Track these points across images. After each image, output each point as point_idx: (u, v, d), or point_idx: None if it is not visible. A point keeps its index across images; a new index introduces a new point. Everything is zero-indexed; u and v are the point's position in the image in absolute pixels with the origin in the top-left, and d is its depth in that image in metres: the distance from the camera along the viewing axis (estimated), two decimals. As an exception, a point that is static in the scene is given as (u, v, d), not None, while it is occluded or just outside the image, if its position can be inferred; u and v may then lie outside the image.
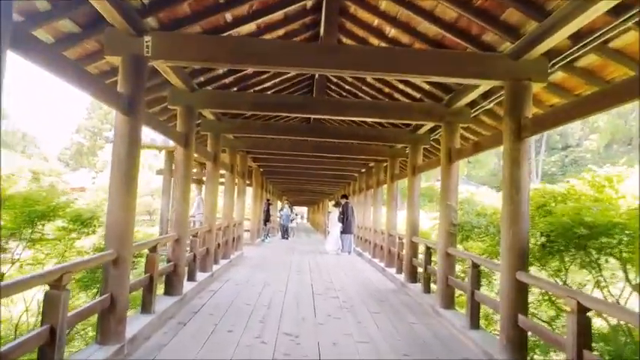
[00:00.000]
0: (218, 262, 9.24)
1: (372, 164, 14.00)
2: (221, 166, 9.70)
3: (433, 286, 7.30)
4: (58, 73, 3.44)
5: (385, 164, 12.67)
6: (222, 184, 10.77)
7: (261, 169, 16.91)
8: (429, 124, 7.81)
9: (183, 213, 6.27)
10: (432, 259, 7.36)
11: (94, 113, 55.24)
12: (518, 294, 4.27)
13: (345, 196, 15.16)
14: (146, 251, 5.39)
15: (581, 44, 4.05)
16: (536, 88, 4.77)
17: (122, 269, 4.18)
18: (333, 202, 17.26)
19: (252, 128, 8.69)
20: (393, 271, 9.68)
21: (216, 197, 8.45)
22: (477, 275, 5.31)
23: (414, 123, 7.55)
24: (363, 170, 15.39)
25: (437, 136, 8.60)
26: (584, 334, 3.25)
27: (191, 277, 7.16)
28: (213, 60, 4.44)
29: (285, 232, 21.06)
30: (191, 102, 6.37)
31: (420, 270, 7.92)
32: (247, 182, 14.85)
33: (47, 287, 3.18)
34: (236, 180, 12.09)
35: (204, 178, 17.98)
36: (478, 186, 44.76)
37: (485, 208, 7.43)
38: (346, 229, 14.40)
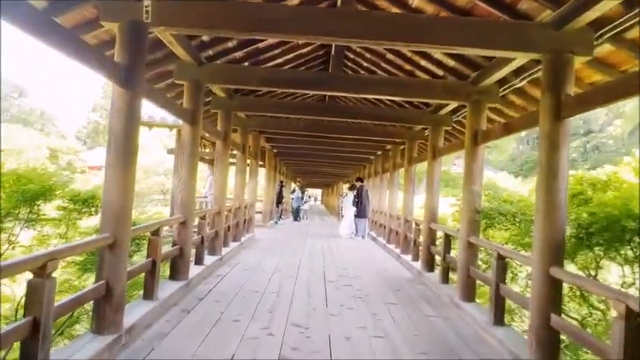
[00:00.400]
0: (228, 245, 8.96)
1: (388, 147, 13.51)
2: (232, 146, 9.36)
3: (452, 276, 6.94)
4: (46, 40, 3.08)
5: (403, 147, 12.20)
6: (234, 164, 10.45)
7: (275, 150, 16.56)
8: (453, 104, 7.30)
9: (190, 194, 5.94)
10: (451, 247, 6.98)
11: (110, 92, 55.28)
12: (551, 291, 3.85)
13: (360, 179, 14.75)
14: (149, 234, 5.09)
15: (636, 11, 3.53)
16: (578, 62, 4.26)
17: (119, 254, 3.87)
18: (348, 185, 16.85)
19: (265, 106, 8.29)
20: (408, 258, 9.30)
21: (227, 178, 8.12)
22: (503, 268, 4.90)
23: (436, 102, 7.04)
24: (379, 153, 14.91)
25: (459, 118, 8.11)
26: (633, 343, 2.84)
27: (199, 261, 6.88)
28: (219, 27, 4.03)
29: (296, 215, 20.79)
30: (198, 76, 5.98)
31: (439, 258, 7.54)
32: (260, 163, 14.53)
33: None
34: (248, 161, 11.77)
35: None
36: (496, 171, 43.90)
37: (511, 195, 6.94)
38: (360, 213, 14.02)
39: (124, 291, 3.97)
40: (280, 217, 18.73)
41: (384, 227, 13.05)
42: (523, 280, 6.64)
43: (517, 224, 6.39)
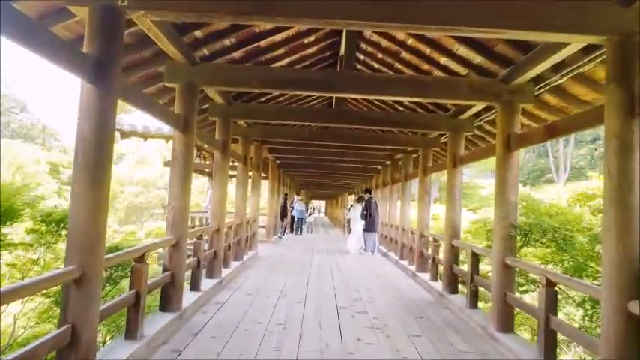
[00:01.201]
0: (229, 265, 8.19)
1: (398, 156, 12.76)
2: (233, 157, 8.64)
3: (479, 298, 6.15)
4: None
5: (415, 155, 11.47)
6: (235, 177, 9.72)
7: (278, 162, 15.83)
8: (477, 107, 6.56)
9: (183, 211, 5.19)
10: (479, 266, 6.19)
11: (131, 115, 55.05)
12: (629, 331, 3.06)
13: (368, 191, 13.98)
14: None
15: None
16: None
17: (89, 290, 3.12)
18: (355, 197, 16.08)
19: (267, 113, 7.57)
20: (426, 276, 8.49)
21: (226, 191, 7.38)
22: (553, 297, 4.11)
23: (459, 104, 6.28)
24: (388, 163, 14.17)
25: (481, 123, 7.37)
26: None
27: (195, 286, 6.11)
28: (208, 11, 3.31)
29: (297, 228, 20.00)
30: (192, 78, 5.27)
31: (462, 278, 6.75)
32: (263, 175, 13.80)
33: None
34: (250, 173, 11.04)
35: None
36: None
37: (548, 207, 6.15)
38: (369, 227, 13.22)
39: (94, 335, 3.21)
40: (284, 231, 17.96)
41: (396, 242, 12.24)
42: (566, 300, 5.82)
43: (557, 241, 5.60)
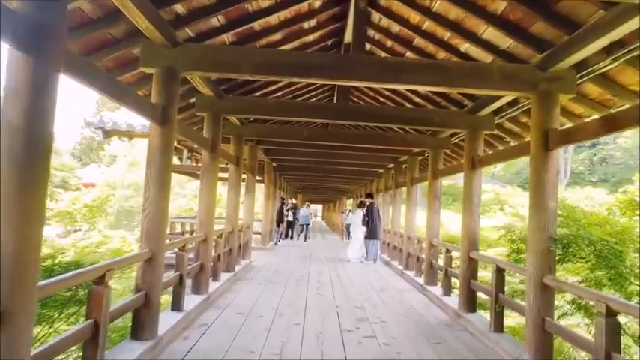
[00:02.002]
0: (218, 278, 7.35)
1: (402, 158, 11.97)
2: (224, 158, 7.82)
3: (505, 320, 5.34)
4: None
5: (421, 157, 10.69)
6: (226, 179, 8.89)
7: (274, 164, 15.01)
8: (499, 102, 5.76)
9: (159, 219, 4.36)
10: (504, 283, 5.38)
11: (104, 107, 54.15)
12: None
13: (369, 195, 13.17)
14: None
15: None
16: None
17: (15, 330, 2.29)
18: (356, 202, 15.26)
19: (262, 108, 6.74)
20: (436, 290, 7.68)
21: (214, 196, 6.55)
22: (613, 329, 3.30)
23: (491, 94, 5.37)
24: (391, 165, 13.36)
25: (502, 120, 6.59)
26: None
27: (176, 306, 5.26)
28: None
29: (305, 234, 19.46)
30: (172, 61, 4.44)
31: (482, 294, 5.96)
32: (258, 178, 12.97)
33: None
34: (244, 176, 10.21)
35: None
36: (504, 185, 42.33)
37: (589, 216, 5.32)
38: (372, 234, 12.40)
39: (23, 392, 2.36)
40: (281, 237, 17.12)
41: (400, 250, 11.43)
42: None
43: (602, 255, 4.77)
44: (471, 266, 6.32)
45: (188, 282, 6.02)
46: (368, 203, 12.77)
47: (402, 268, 10.60)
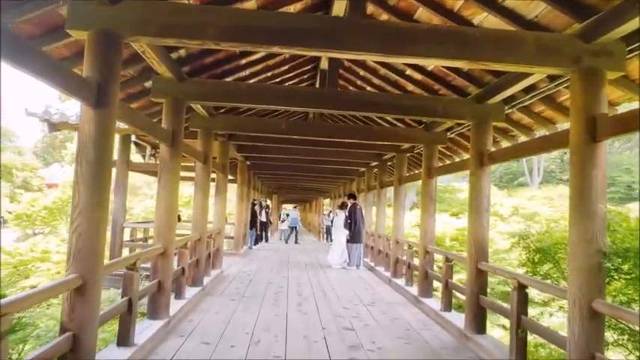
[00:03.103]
0: (182, 295, 6.24)
1: (387, 155, 11.06)
2: (190, 155, 6.70)
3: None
4: None
5: (410, 154, 9.80)
6: (191, 179, 7.76)
7: (248, 162, 13.87)
8: (514, 87, 4.85)
9: (94, 234, 3.24)
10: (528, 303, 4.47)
11: (66, 103, 51.60)
12: None
13: (352, 196, 12.21)
14: None
15: None
16: None
17: None
18: (338, 203, 14.29)
19: (233, 94, 5.62)
20: (433, 304, 6.78)
21: (175, 200, 5.43)
22: None
23: (523, 70, 4.30)
24: (375, 163, 12.45)
25: (514, 109, 5.71)
26: None
27: (123, 340, 4.14)
28: None
29: (293, 236, 18.56)
30: (110, 22, 3.33)
31: (490, 310, 5.06)
32: (231, 178, 11.83)
33: None
34: (214, 175, 9.11)
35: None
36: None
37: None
38: (355, 238, 11.46)
39: None
40: (256, 241, 16.00)
41: (386, 255, 10.51)
42: None
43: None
44: (480, 280, 5.41)
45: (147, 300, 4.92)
46: (350, 204, 11.82)
47: (389, 276, 9.67)
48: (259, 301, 6.97)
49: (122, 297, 4.18)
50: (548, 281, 4.73)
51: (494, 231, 22.13)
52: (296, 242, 19.78)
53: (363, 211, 12.06)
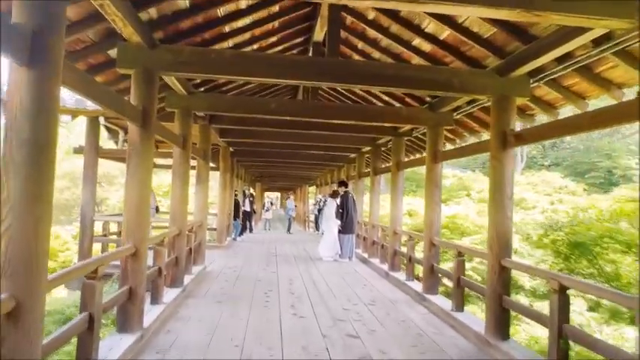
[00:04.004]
0: (159, 300, 5.41)
1: (382, 139, 10.32)
2: (166, 138, 5.83)
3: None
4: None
5: (408, 138, 9.07)
6: (168, 167, 6.87)
7: (231, 149, 12.97)
8: (543, 58, 4.11)
9: (30, 240, 2.40)
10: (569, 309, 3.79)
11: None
12: None
13: (343, 183, 11.45)
14: None
15: None
16: None
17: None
18: (330, 191, 13.51)
19: (214, 62, 4.69)
20: (441, 302, 6.13)
21: (147, 190, 4.55)
22: None
23: (586, 24, 3.59)
24: (367, 148, 11.71)
25: (538, 83, 4.99)
26: None
27: (85, 357, 3.32)
28: None
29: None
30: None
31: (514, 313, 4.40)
32: (212, 165, 10.93)
33: None
34: (194, 163, 8.25)
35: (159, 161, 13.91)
36: (463, 170, 42.04)
37: None
38: (347, 228, 10.74)
39: None
40: (240, 232, 15.18)
41: (382, 247, 9.83)
42: None
43: None
44: (503, 278, 4.73)
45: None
46: (342, 192, 11.08)
47: (386, 269, 8.99)
48: (248, 303, 6.19)
49: (80, 312, 3.35)
50: (591, 281, 4.06)
51: (487, 218, 21.84)
52: (289, 231, 19.61)
53: (355, 200, 11.33)
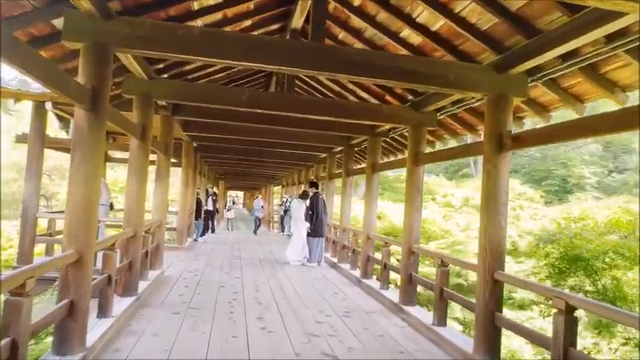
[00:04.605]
0: (108, 313, 4.69)
1: (357, 139, 9.88)
2: (120, 126, 5.13)
3: None
4: None
5: (384, 138, 8.67)
6: (124, 161, 6.14)
7: (195, 144, 12.19)
8: (550, 53, 3.74)
9: None
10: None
11: None
12: None
13: (314, 184, 10.92)
14: None
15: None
16: None
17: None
18: (298, 192, 12.93)
19: (179, 40, 4.04)
20: (420, 314, 5.73)
21: (95, 186, 3.86)
22: None
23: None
24: (338, 149, 11.26)
25: (537, 82, 4.63)
26: None
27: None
28: None
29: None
30: None
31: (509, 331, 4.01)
32: (174, 161, 10.15)
33: None
34: (154, 157, 7.52)
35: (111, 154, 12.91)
36: (427, 174, 42.44)
37: None
38: (316, 231, 10.23)
39: None
40: (203, 232, 14.38)
41: (354, 251, 9.37)
42: None
43: None
44: (496, 292, 4.34)
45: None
46: (312, 194, 10.55)
47: (357, 275, 8.54)
48: (210, 315, 5.55)
49: (1, 338, 2.67)
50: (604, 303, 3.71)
51: (453, 222, 21.86)
52: (255, 233, 18.55)
53: (326, 202, 10.83)
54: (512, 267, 19.82)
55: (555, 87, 4.67)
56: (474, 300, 4.63)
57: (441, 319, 5.31)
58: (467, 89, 4.55)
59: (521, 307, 9.88)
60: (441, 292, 5.36)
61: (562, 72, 4.33)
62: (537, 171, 43.29)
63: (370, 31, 5.56)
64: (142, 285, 6.20)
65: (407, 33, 5.15)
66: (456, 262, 5.54)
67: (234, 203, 21.70)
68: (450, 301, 5.38)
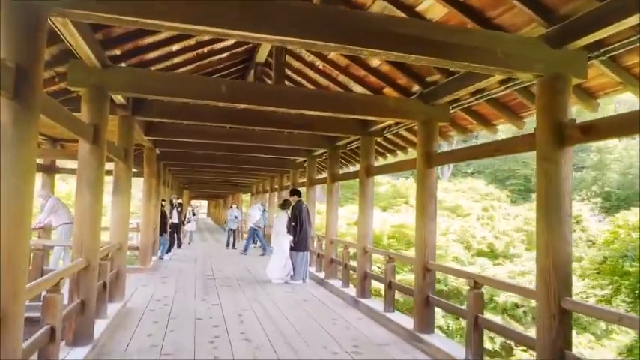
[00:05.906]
0: (51, 376, 3.46)
1: (345, 140, 8.88)
2: (64, 124, 3.90)
3: None
4: None
5: (378, 139, 7.72)
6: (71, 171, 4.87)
7: (158, 151, 10.86)
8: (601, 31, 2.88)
9: None
10: None
11: None
12: None
13: (296, 192, 9.83)
14: None
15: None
16: None
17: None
18: (279, 201, 11.72)
19: (156, 2, 2.96)
20: (446, 345, 4.77)
21: (27, 203, 2.66)
22: None
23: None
24: (321, 151, 10.25)
25: (592, 62, 3.76)
26: None
27: None
28: None
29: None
30: None
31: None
32: (134, 171, 8.80)
33: None
34: (111, 166, 6.25)
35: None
36: (396, 177, 42.12)
37: None
38: (300, 245, 9.15)
39: None
40: (169, 248, 12.97)
41: (345, 266, 8.34)
42: None
43: None
44: (564, 324, 3.42)
45: None
46: (294, 203, 9.47)
47: (353, 294, 7.52)
48: (186, 362, 4.37)
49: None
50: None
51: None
52: (233, 247, 16.47)
53: (309, 211, 9.77)
54: (492, 270, 19.33)
55: (616, 67, 3.83)
56: (532, 331, 3.69)
57: (477, 353, 4.36)
58: (517, 69, 3.61)
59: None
60: (476, 319, 4.40)
61: (630, 47, 3.48)
62: (501, 171, 43.89)
63: (380, 3, 4.58)
64: (100, 326, 4.94)
65: (428, 3, 4.19)
66: (501, 284, 4.61)
67: (193, 214, 19.87)
68: (486, 330, 4.43)
